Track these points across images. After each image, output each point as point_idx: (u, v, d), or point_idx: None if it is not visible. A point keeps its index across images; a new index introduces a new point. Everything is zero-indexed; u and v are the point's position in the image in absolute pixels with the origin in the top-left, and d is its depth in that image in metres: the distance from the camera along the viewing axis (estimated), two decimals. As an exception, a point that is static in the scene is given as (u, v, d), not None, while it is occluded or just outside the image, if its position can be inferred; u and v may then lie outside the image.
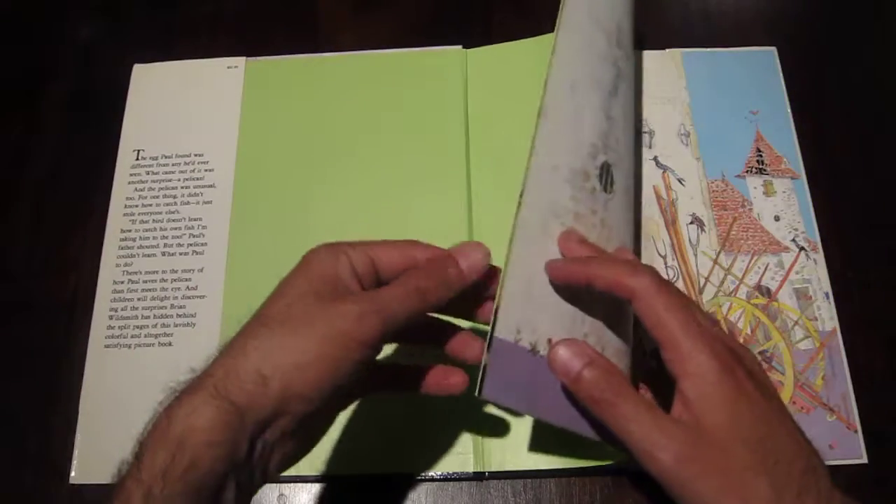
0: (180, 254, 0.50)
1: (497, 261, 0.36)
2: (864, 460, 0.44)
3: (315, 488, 0.44)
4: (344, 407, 0.36)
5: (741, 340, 0.46)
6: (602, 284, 0.33)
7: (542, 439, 0.44)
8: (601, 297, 0.34)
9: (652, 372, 0.38)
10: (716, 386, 0.30)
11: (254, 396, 0.28)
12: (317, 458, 0.43)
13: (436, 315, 0.36)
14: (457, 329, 0.37)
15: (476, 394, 0.34)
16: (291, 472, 0.44)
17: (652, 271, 0.33)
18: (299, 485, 0.44)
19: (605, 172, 0.39)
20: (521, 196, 0.37)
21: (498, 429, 0.45)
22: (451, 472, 0.44)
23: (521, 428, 0.44)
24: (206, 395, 0.28)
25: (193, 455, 0.27)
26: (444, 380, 0.36)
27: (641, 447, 0.30)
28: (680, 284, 0.49)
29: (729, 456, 0.29)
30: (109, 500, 0.27)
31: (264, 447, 0.29)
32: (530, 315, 0.36)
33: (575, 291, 0.36)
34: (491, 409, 0.45)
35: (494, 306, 0.35)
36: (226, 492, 0.28)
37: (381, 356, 0.33)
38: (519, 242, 0.36)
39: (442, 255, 0.34)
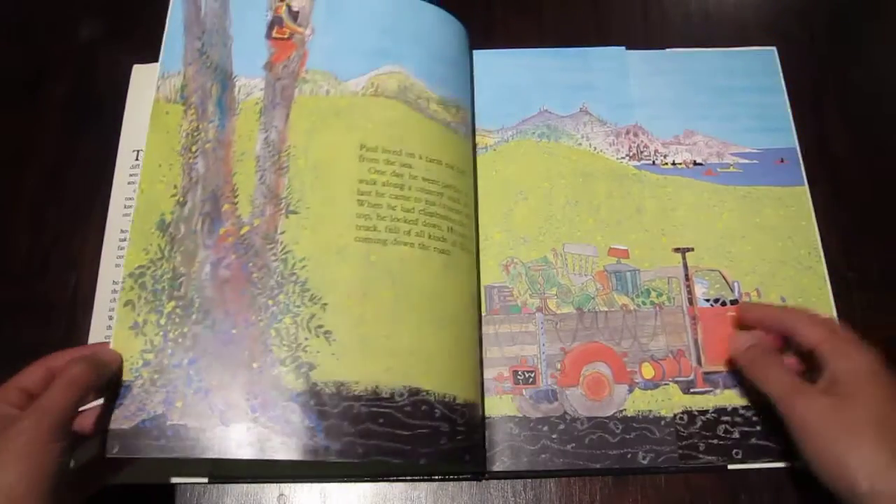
0: (180, 254, 0.50)
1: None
2: (864, 460, 0.44)
3: (315, 488, 0.44)
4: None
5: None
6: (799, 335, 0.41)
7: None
8: None
9: None
10: (870, 375, 0.38)
11: None
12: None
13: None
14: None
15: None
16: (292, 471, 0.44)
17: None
18: (299, 484, 0.44)
19: None
20: None
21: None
22: (451, 472, 0.44)
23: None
24: None
25: None
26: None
27: (784, 401, 0.39)
28: (680, 284, 0.49)
29: (866, 421, 0.36)
30: None
31: None
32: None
33: None
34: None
35: None
36: None
37: None
38: None
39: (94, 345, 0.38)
